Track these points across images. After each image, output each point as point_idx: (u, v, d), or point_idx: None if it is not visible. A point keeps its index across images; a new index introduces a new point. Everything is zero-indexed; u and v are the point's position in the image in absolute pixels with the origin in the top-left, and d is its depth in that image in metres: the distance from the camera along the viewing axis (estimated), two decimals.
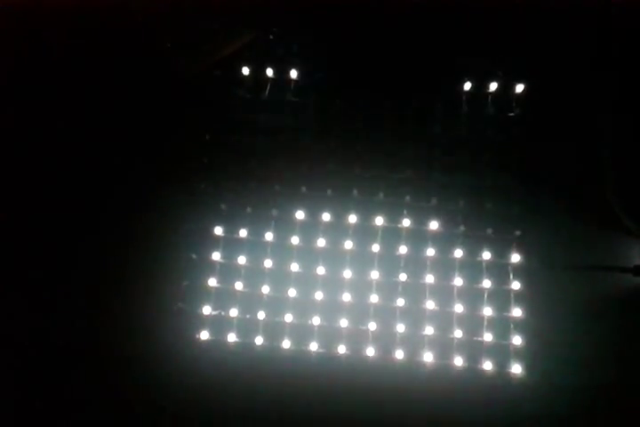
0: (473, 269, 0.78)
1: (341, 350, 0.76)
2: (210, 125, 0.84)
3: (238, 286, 0.78)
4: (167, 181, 0.83)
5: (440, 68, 0.84)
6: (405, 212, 0.80)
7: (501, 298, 0.77)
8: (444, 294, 0.77)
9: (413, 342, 0.76)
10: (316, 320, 0.77)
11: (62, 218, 0.83)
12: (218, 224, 0.80)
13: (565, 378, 0.74)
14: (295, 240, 0.80)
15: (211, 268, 0.79)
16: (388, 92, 0.83)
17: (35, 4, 0.89)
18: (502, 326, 0.76)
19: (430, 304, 0.77)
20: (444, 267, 0.78)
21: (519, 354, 0.75)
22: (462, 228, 0.79)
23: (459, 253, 0.78)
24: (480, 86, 0.82)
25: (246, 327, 0.77)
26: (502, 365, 0.75)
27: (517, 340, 0.75)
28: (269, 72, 0.84)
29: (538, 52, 0.84)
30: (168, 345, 0.77)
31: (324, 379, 0.76)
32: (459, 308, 0.76)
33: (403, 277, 0.78)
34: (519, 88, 0.81)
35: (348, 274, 0.78)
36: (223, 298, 0.78)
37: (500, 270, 0.78)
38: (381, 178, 0.81)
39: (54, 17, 0.89)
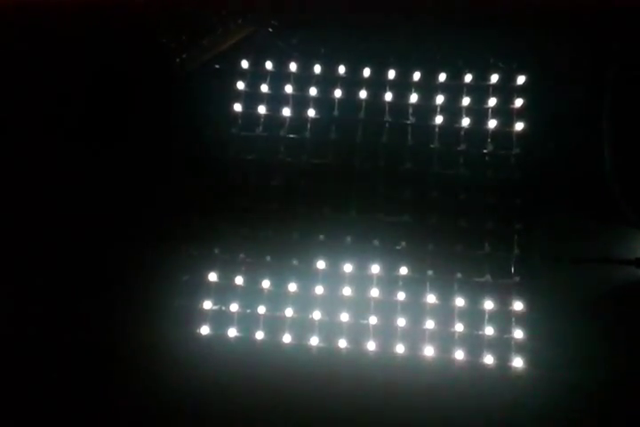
0: (474, 262, 0.78)
1: (342, 344, 0.76)
2: (210, 119, 0.84)
3: (238, 280, 0.78)
4: (165, 178, 0.83)
5: (441, 61, 0.83)
6: (404, 207, 0.80)
7: (502, 291, 0.77)
8: (445, 287, 0.77)
9: (414, 336, 0.76)
10: (316, 314, 0.77)
11: (64, 218, 0.83)
12: (219, 221, 0.81)
13: (566, 371, 0.74)
14: (295, 235, 0.79)
15: (211, 262, 0.79)
16: (387, 84, 0.83)
17: (34, 3, 0.89)
18: (503, 319, 0.76)
19: (431, 298, 0.76)
20: (445, 260, 0.78)
21: (520, 348, 0.75)
22: (462, 222, 0.79)
23: (459, 246, 0.78)
24: (481, 78, 0.82)
25: (247, 322, 0.78)
26: (503, 358, 0.75)
27: (518, 333, 0.75)
28: (269, 65, 0.84)
29: (540, 44, 0.84)
30: (169, 340, 0.77)
31: (324, 373, 0.76)
32: (460, 302, 0.76)
33: (403, 270, 0.78)
34: (520, 80, 0.81)
35: (348, 268, 0.78)
36: (224, 293, 0.78)
37: (501, 264, 0.78)
38: (380, 173, 0.81)
39: (52, 13, 0.88)
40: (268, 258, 0.79)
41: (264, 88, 0.84)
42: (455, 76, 0.82)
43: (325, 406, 0.75)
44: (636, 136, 0.81)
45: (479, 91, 0.82)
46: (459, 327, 0.75)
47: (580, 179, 0.81)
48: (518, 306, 0.75)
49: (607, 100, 0.81)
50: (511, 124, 0.81)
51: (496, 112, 0.81)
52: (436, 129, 0.81)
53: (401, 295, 0.77)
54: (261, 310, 0.77)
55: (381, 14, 0.86)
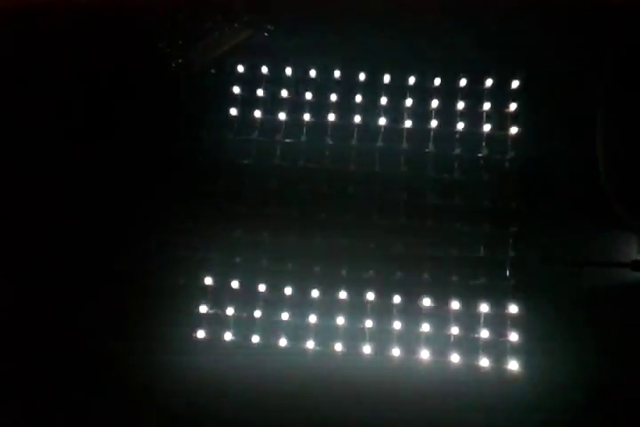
0: (470, 265, 0.78)
1: (338, 347, 0.76)
2: (206, 123, 0.84)
3: (234, 284, 0.79)
4: (161, 183, 0.83)
5: (436, 65, 0.84)
6: (400, 211, 0.80)
7: (498, 294, 0.77)
8: (441, 290, 0.77)
9: (410, 340, 0.76)
10: (312, 318, 0.77)
11: (59, 220, 0.83)
12: (215, 224, 0.81)
13: (562, 374, 0.74)
14: (291, 239, 0.80)
15: (207, 266, 0.80)
16: (382, 88, 0.83)
17: (34, 4, 0.89)
18: (499, 322, 0.76)
19: (426, 301, 0.77)
20: (441, 264, 0.78)
21: (516, 350, 0.75)
22: (458, 225, 0.79)
23: (455, 249, 0.78)
24: (475, 82, 0.82)
25: (243, 326, 0.78)
26: (499, 361, 0.75)
27: (514, 336, 0.75)
28: (264, 70, 0.84)
29: (534, 48, 0.84)
30: (165, 344, 0.77)
31: (320, 376, 0.76)
32: (455, 304, 0.76)
33: (399, 274, 0.78)
34: (515, 84, 0.81)
35: (344, 271, 0.78)
36: (220, 297, 0.79)
37: (496, 267, 0.78)
38: (376, 177, 0.81)
39: (48, 17, 0.89)
40: (264, 262, 0.80)
41: (260, 92, 0.84)
42: (450, 80, 0.83)
43: (321, 410, 0.75)
44: (630, 139, 0.81)
45: (474, 95, 0.82)
46: (454, 330, 0.76)
47: (575, 182, 0.81)
48: (514, 309, 0.76)
49: (602, 102, 0.81)
50: (506, 128, 0.81)
51: (491, 116, 0.82)
52: (432, 133, 0.82)
53: (397, 299, 0.77)
54: (257, 313, 0.78)
55: (377, 18, 0.86)
